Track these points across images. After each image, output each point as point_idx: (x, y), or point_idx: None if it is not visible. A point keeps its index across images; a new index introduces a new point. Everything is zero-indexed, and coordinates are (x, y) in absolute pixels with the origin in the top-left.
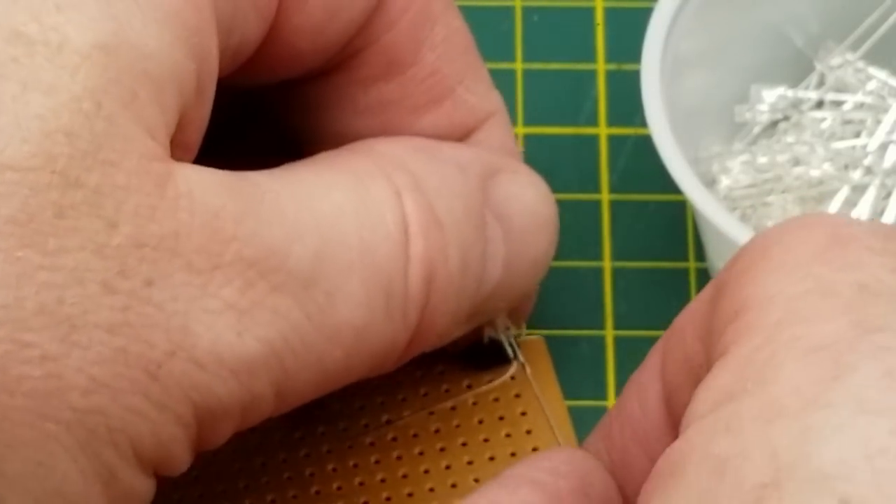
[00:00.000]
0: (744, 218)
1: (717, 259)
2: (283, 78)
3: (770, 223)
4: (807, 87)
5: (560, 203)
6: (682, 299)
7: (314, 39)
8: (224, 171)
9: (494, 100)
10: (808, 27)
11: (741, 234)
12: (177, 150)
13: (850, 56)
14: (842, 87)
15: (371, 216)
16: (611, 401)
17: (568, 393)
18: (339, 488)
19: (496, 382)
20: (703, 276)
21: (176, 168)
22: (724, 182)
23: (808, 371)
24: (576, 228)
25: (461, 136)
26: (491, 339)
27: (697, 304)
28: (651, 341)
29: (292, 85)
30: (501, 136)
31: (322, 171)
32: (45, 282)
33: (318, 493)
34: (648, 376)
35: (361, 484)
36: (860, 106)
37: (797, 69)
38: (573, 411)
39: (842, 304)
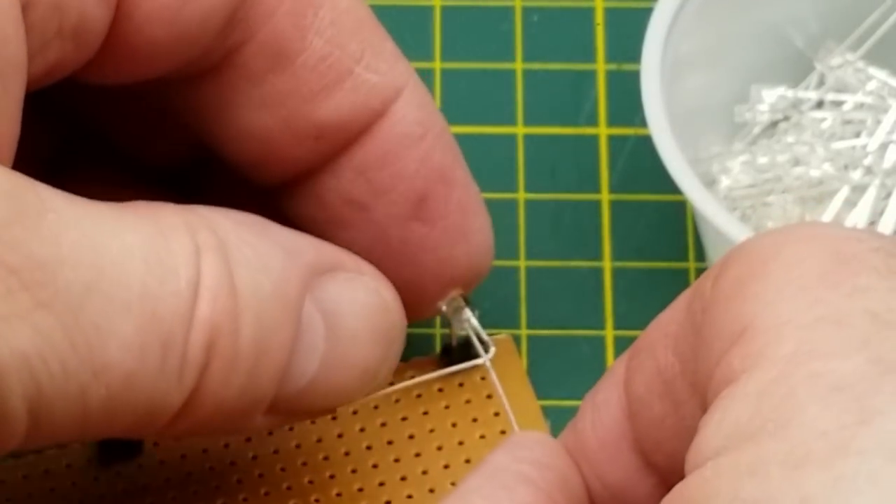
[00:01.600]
0: (744, 218)
1: (717, 259)
2: (153, 74)
3: (770, 223)
4: (807, 88)
5: (560, 203)
6: None
7: (170, 28)
8: (15, 175)
9: (401, 73)
10: (808, 27)
11: (741, 235)
12: None
13: (850, 56)
14: (842, 88)
15: (163, 267)
16: None
17: (568, 393)
18: (310, 482)
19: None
20: None
21: None
22: (724, 182)
23: (833, 414)
24: (576, 228)
25: (370, 118)
26: (460, 340)
27: (670, 314)
28: None
29: (188, 87)
30: (416, 113)
31: (124, 214)
32: None
33: (289, 488)
34: (606, 395)
35: (332, 476)
36: (860, 106)
37: (797, 69)
38: (573, 411)
39: (857, 338)
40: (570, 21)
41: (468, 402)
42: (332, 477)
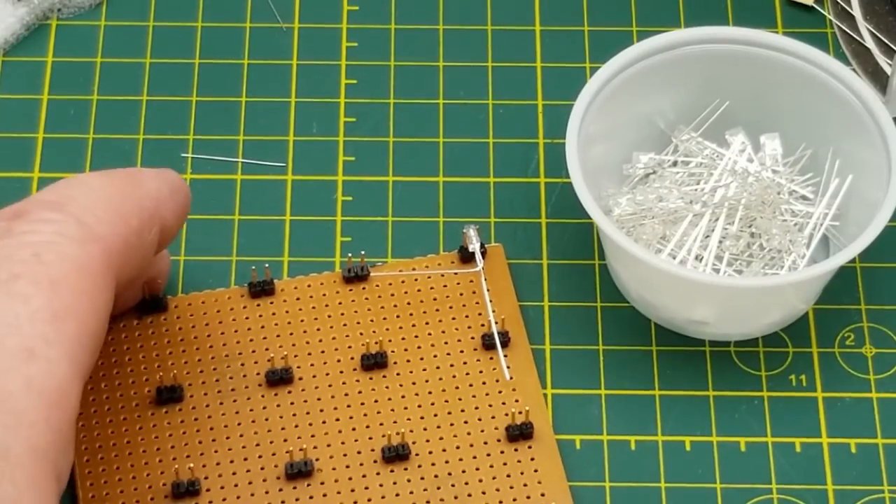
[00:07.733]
0: (628, 233)
1: (613, 260)
2: None
3: (644, 237)
4: (667, 153)
5: (514, 225)
6: (589, 286)
7: None
8: None
9: None
10: (668, 116)
11: (628, 244)
12: None
13: (693, 134)
14: (688, 153)
15: None
16: (602, 390)
17: (566, 387)
18: (333, 338)
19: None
20: (604, 270)
21: None
22: (616, 211)
23: None
24: (525, 241)
25: None
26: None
27: None
28: (579, 353)
29: None
30: None
31: None
32: None
33: (321, 341)
34: None
35: (353, 335)
36: (699, 164)
37: (661, 142)
38: (572, 401)
39: None
40: (521, 112)
41: (473, 291)
42: (352, 335)
